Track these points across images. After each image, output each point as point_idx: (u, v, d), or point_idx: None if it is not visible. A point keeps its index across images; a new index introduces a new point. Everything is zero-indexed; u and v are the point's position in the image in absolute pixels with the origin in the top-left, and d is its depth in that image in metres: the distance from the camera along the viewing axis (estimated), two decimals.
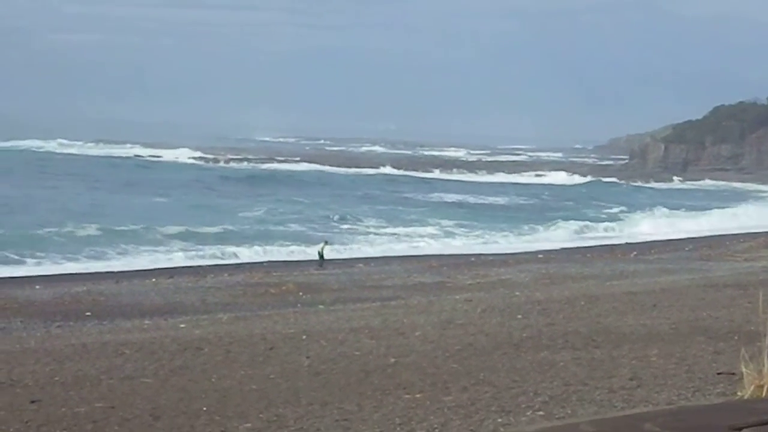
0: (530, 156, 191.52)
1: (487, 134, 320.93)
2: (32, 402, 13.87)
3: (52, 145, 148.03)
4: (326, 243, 46.11)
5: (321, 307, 26.92)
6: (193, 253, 47.14)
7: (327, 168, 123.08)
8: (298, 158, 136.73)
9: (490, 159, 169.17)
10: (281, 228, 59.31)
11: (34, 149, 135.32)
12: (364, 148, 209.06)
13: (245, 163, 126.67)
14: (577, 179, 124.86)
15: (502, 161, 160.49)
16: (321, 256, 43.79)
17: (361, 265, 41.88)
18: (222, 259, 45.84)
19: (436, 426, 11.87)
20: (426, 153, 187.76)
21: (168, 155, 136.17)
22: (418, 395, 13.54)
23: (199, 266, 42.46)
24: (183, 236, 52.01)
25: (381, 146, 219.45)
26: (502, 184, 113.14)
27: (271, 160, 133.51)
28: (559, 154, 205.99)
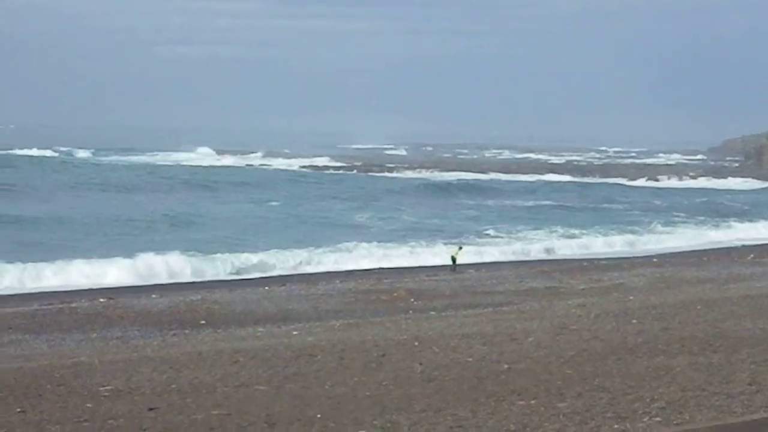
0: (659, 159, 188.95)
1: (593, 137, 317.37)
2: (150, 409, 14.07)
3: (188, 156, 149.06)
4: (461, 248, 45.90)
5: (433, 313, 26.89)
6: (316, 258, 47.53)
7: (482, 177, 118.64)
8: (452, 167, 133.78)
9: (624, 162, 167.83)
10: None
11: (183, 162, 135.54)
12: (489, 154, 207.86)
13: (410, 173, 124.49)
14: (754, 184, 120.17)
15: (649, 164, 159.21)
16: (454, 261, 43.63)
17: (472, 271, 41.74)
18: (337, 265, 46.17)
19: None
20: (541, 157, 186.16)
21: (283, 163, 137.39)
22: (532, 401, 13.43)
23: (311, 274, 42.75)
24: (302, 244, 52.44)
25: (508, 152, 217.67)
26: (682, 189, 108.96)
27: (423, 168, 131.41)
28: (677, 156, 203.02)
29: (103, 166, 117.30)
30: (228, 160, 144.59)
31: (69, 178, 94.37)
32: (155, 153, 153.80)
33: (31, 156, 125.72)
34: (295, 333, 22.47)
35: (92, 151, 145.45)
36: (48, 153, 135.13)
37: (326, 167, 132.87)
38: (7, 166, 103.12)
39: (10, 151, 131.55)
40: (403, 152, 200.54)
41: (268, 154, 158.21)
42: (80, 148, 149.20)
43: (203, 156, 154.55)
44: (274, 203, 78.80)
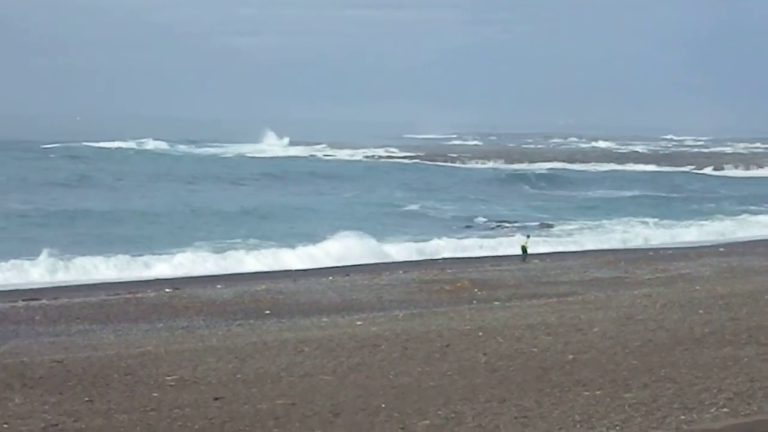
0: (726, 148, 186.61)
1: (659, 126, 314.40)
2: (216, 399, 14.18)
3: (259, 148, 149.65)
4: (528, 237, 45.71)
5: (496, 303, 26.80)
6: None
7: (554, 165, 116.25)
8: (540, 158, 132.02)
9: (692, 151, 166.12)
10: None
11: (255, 153, 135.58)
12: (554, 143, 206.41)
13: (489, 163, 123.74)
14: None
15: (715, 153, 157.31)
16: (524, 250, 43.41)
17: (536, 261, 41.55)
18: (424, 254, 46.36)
19: (617, 423, 11.68)
20: (610, 146, 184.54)
21: (343, 155, 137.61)
22: (597, 392, 13.35)
23: (375, 264, 42.78)
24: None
25: (576, 140, 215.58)
26: (748, 178, 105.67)
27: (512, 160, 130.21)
28: (743, 145, 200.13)
29: (182, 157, 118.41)
30: (295, 151, 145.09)
31: (153, 169, 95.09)
32: (226, 144, 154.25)
33: (101, 147, 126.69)
34: (359, 323, 22.51)
35: (169, 143, 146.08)
36: (117, 144, 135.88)
37: (390, 157, 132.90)
38: (88, 158, 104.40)
39: (84, 143, 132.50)
40: (474, 142, 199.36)
41: (332, 145, 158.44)
42: (149, 138, 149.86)
43: (273, 147, 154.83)
44: (347, 194, 78.73)
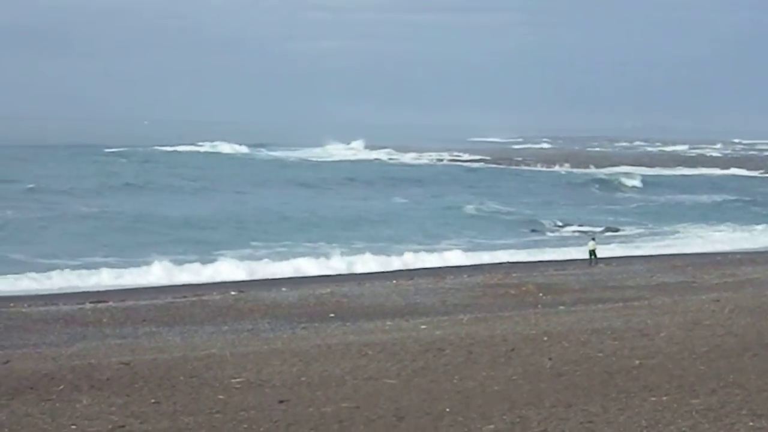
0: None
1: (727, 129, 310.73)
2: (280, 402, 14.21)
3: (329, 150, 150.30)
4: (594, 240, 45.36)
5: (562, 308, 26.63)
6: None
7: (630, 170, 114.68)
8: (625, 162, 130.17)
9: (763, 155, 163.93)
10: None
11: (333, 158, 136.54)
12: (620, 146, 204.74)
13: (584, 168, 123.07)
14: None
15: None
16: (593, 254, 43.12)
17: (602, 265, 41.26)
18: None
19: (684, 429, 11.55)
20: (676, 149, 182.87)
21: (412, 158, 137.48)
22: (664, 398, 13.21)
23: (439, 267, 42.74)
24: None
25: (641, 144, 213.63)
26: None
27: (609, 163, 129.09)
28: None
29: (252, 160, 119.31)
30: (362, 155, 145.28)
31: (239, 173, 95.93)
32: (297, 148, 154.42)
33: (172, 151, 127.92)
34: (423, 327, 22.47)
35: (250, 146, 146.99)
36: (187, 148, 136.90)
37: (455, 160, 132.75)
38: (159, 161, 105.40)
39: (157, 147, 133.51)
40: (542, 145, 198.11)
41: (398, 148, 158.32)
42: (220, 142, 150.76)
43: (340, 150, 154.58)
44: (409, 199, 78.47)
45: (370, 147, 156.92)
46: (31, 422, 13.42)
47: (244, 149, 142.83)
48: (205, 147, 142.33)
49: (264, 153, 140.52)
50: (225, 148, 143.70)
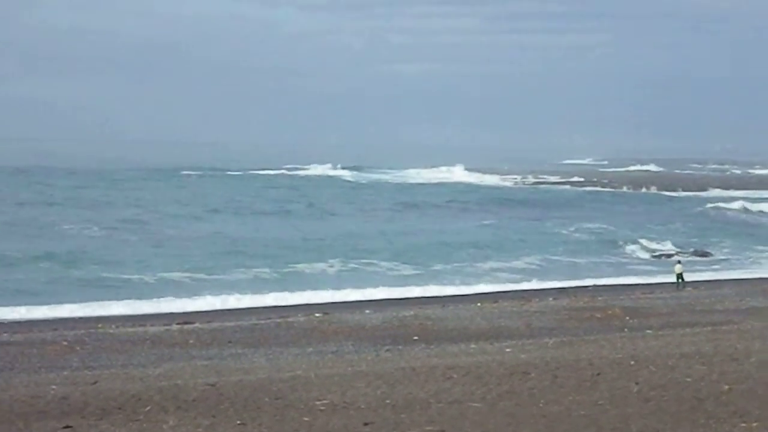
0: None
1: None
2: (365, 424, 14.20)
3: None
4: (680, 263, 44.75)
5: (649, 331, 26.31)
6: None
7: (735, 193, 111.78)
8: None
9: None
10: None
11: (438, 180, 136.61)
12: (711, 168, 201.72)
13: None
14: None
15: None
16: (680, 278, 42.56)
17: (690, 288, 40.72)
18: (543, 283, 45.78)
19: None
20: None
21: (491, 180, 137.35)
22: (754, 424, 12.99)
23: (524, 290, 42.49)
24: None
25: (731, 167, 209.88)
26: None
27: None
28: None
29: (359, 184, 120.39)
30: (457, 176, 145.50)
31: (351, 197, 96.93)
32: (389, 170, 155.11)
33: (269, 174, 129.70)
34: (507, 350, 22.34)
35: (353, 169, 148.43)
36: (282, 171, 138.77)
37: (541, 182, 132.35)
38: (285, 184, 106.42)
39: (252, 171, 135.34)
40: (633, 168, 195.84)
41: (476, 169, 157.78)
42: (318, 164, 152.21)
43: (444, 173, 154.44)
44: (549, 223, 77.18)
45: (469, 169, 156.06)
46: None
47: (344, 172, 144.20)
48: (309, 170, 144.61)
49: (364, 176, 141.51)
50: (320, 170, 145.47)
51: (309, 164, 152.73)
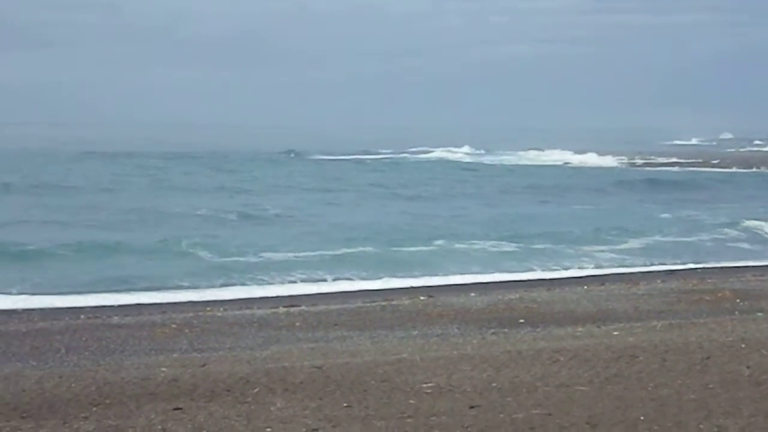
0: None
1: None
2: (471, 407, 14.18)
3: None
4: None
5: (760, 314, 25.81)
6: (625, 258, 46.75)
7: None
8: None
9: None
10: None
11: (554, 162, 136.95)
12: None
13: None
14: None
15: None
16: None
17: None
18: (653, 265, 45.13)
19: None
20: None
21: (597, 161, 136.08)
22: None
23: (631, 273, 42.01)
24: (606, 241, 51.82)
25: None
26: None
27: None
28: None
29: (491, 166, 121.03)
30: (552, 157, 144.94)
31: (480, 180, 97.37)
32: (507, 152, 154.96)
33: (391, 159, 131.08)
34: (615, 333, 22.11)
35: (471, 153, 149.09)
36: (404, 156, 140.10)
37: (650, 163, 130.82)
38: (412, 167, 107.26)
39: (354, 156, 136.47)
40: (743, 149, 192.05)
41: (583, 150, 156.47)
42: (440, 147, 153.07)
43: (553, 154, 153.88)
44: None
45: (578, 152, 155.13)
46: (228, 424, 13.74)
47: (460, 155, 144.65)
48: (435, 153, 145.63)
49: (481, 159, 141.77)
50: (440, 153, 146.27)
51: (420, 147, 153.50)
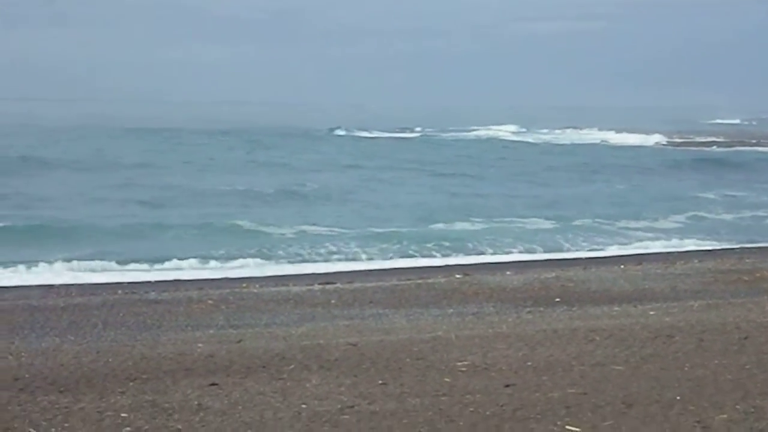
0: None
1: None
2: (506, 386, 14.17)
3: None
4: None
5: None
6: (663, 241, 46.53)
7: None
8: None
9: None
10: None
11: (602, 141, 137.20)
12: None
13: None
14: None
15: None
16: None
17: None
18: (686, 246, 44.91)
19: None
20: None
21: (635, 140, 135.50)
22: None
23: (668, 252, 41.80)
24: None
25: None
26: None
27: None
28: None
29: (541, 144, 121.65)
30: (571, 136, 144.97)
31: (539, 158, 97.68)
32: (552, 131, 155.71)
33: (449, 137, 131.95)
34: (651, 313, 22.00)
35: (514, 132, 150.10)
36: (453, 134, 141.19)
37: (689, 142, 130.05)
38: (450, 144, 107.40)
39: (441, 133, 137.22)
40: None
41: (621, 129, 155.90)
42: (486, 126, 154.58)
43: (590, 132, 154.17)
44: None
45: (617, 130, 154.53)
46: (264, 400, 13.80)
47: (509, 135, 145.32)
48: (479, 132, 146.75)
49: (532, 137, 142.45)
50: (483, 132, 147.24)
51: (462, 126, 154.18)
